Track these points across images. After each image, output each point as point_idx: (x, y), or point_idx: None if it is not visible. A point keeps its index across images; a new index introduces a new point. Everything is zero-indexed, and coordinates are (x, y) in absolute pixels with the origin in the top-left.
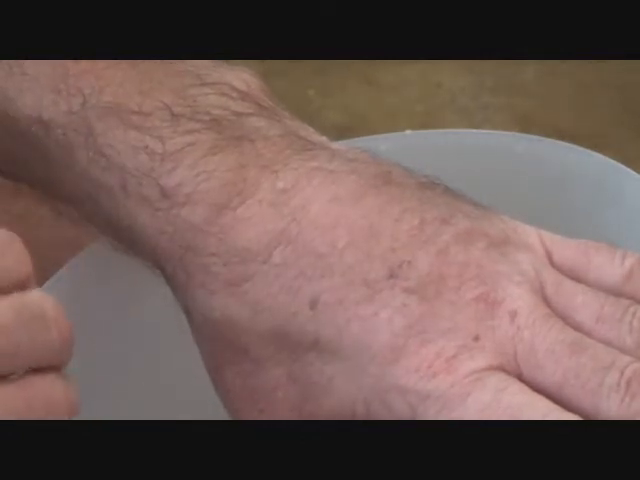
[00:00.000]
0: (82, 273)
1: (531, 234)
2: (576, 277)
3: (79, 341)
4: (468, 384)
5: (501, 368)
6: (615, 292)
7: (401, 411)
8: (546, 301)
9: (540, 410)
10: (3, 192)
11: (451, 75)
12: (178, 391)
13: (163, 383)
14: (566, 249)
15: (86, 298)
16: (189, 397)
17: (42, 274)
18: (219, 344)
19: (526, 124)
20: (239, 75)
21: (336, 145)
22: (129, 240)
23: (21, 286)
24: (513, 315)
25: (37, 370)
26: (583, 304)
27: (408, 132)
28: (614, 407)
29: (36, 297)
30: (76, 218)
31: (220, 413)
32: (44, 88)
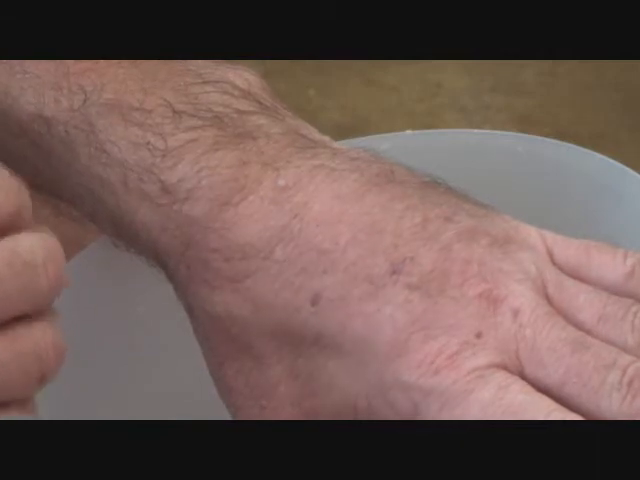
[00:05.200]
0: (83, 272)
1: (533, 233)
2: (578, 276)
3: (79, 340)
4: (470, 381)
5: (503, 365)
6: (617, 291)
7: (403, 407)
8: (548, 300)
9: (542, 409)
10: None
11: (451, 75)
12: (178, 391)
13: (164, 382)
14: (567, 248)
15: (87, 297)
16: (190, 397)
17: None
18: (221, 340)
19: (526, 124)
20: (241, 74)
21: (338, 144)
22: (130, 237)
23: (12, 221)
24: (515, 313)
25: (22, 317)
26: (585, 303)
27: (408, 132)
28: (615, 406)
29: (27, 244)
30: (77, 217)
31: (221, 413)
32: (45, 86)
